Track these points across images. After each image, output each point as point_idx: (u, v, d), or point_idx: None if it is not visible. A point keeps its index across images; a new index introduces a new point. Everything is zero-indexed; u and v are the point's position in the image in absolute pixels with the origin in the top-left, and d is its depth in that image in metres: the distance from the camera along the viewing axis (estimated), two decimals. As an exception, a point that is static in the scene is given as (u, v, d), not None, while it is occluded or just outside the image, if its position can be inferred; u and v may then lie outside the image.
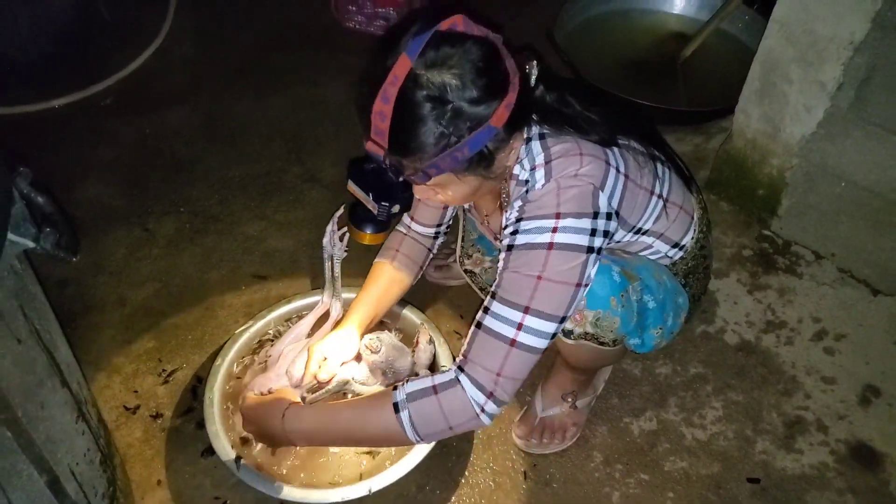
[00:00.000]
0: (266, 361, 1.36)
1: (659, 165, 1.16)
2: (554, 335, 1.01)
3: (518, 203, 1.02)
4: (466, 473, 1.33)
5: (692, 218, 1.22)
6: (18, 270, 0.92)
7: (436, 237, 1.40)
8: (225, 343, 1.42)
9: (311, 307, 1.44)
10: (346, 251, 1.35)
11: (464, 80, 0.89)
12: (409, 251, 1.37)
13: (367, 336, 1.31)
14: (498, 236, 1.25)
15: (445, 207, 1.34)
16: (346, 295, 1.41)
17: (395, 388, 1.05)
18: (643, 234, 1.15)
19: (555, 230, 0.97)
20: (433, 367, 1.38)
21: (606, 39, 2.19)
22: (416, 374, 1.34)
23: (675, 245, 1.20)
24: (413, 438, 1.03)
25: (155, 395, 1.45)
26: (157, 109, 2.11)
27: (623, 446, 1.38)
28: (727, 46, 2.12)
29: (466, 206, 1.32)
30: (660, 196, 1.13)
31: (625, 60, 2.14)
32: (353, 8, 2.34)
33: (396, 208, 1.01)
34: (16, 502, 0.85)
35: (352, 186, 1.01)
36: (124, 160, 1.97)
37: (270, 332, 1.46)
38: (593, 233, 0.99)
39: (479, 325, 1.02)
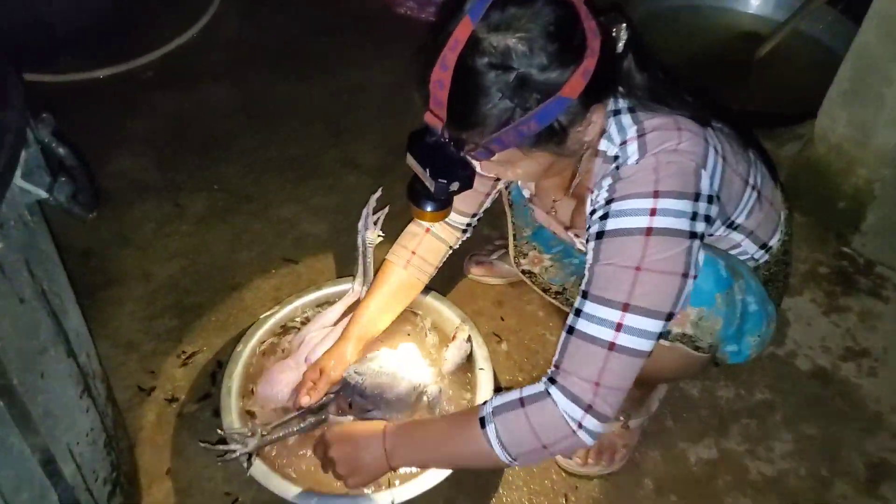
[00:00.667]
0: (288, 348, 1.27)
1: (752, 154, 1.03)
2: (660, 335, 0.88)
3: (608, 181, 0.89)
4: (500, 490, 1.20)
5: (780, 217, 1.09)
6: (28, 222, 0.83)
7: (465, 230, 1.26)
8: (249, 328, 1.32)
9: (341, 295, 1.33)
10: (380, 236, 1.24)
11: (532, 44, 0.78)
12: (427, 253, 1.23)
13: (353, 366, 1.18)
14: (569, 226, 1.12)
15: (487, 194, 1.21)
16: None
17: (486, 401, 0.94)
18: (734, 229, 1.02)
19: (653, 212, 0.84)
20: (467, 370, 1.27)
21: (672, 34, 2.05)
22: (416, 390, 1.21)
23: (763, 246, 1.07)
24: (504, 458, 0.91)
25: (172, 378, 1.36)
26: (197, 85, 2.05)
27: (678, 475, 1.23)
28: (806, 48, 1.97)
29: (526, 194, 1.20)
30: (754, 187, 1.01)
31: (692, 57, 2.00)
32: (406, -7, 2.25)
33: (455, 186, 0.90)
34: (1, 481, 0.75)
35: (410, 160, 0.91)
36: (160, 134, 1.91)
37: (298, 318, 1.35)
38: (694, 217, 0.86)
39: (570, 330, 0.89)
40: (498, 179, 1.19)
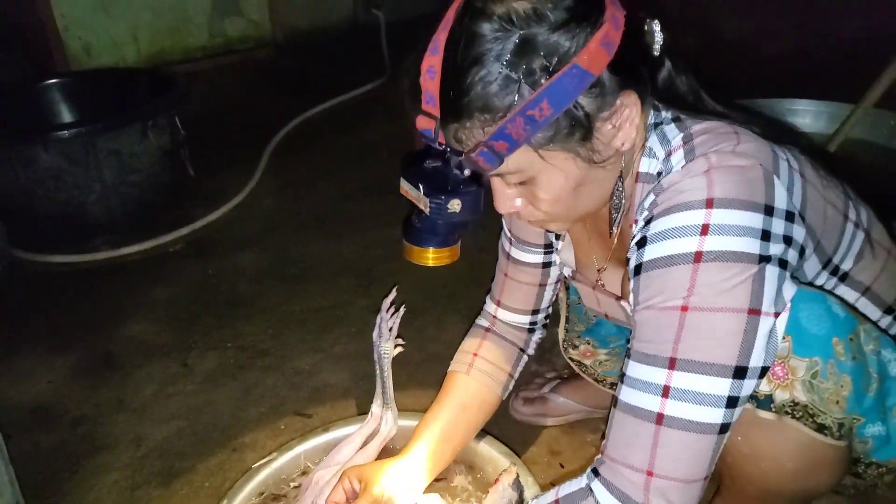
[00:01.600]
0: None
1: (848, 188, 0.81)
2: (734, 401, 0.62)
3: (649, 200, 0.69)
4: None
5: (904, 273, 0.82)
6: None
7: (531, 329, 1.04)
8: (236, 482, 1.05)
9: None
10: (399, 346, 1.02)
11: (540, 4, 0.64)
12: (492, 354, 1.01)
13: None
14: (621, 297, 0.88)
15: (542, 285, 1.00)
16: (407, 423, 1.03)
17: None
18: (842, 279, 0.76)
19: (705, 230, 0.62)
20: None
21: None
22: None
23: (889, 311, 0.79)
24: None
25: (145, 563, 1.07)
26: (226, 254, 1.99)
27: None
28: (875, 157, 1.80)
29: (567, 272, 0.97)
30: (857, 224, 0.77)
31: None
32: (437, 158, 2.27)
33: (456, 206, 0.72)
34: None
35: (404, 186, 0.74)
36: (181, 299, 1.80)
37: (292, 483, 1.07)
38: (766, 236, 0.63)
39: (614, 401, 0.68)
40: (547, 266, 0.98)
